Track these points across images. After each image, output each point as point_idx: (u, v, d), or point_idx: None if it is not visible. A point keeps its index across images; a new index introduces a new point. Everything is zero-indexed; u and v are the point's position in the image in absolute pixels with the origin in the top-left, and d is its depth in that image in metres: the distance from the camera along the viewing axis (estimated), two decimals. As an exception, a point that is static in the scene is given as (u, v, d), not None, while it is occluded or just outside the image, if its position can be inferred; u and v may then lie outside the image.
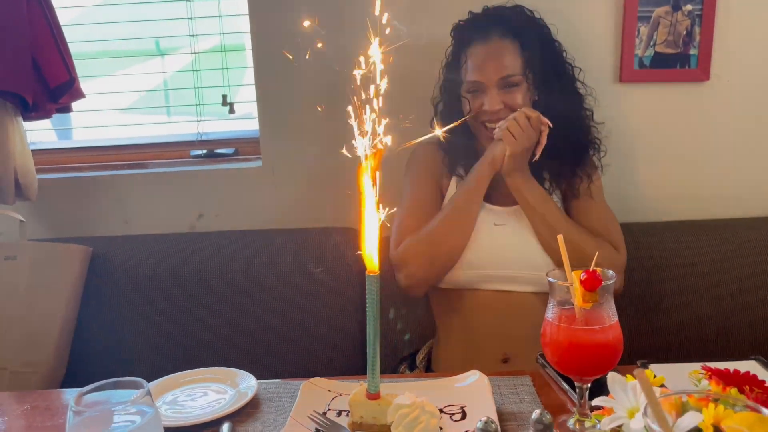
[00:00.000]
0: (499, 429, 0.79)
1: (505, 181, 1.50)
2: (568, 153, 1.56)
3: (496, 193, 1.54)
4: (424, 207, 1.57)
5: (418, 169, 1.65)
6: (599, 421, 0.74)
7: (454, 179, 1.61)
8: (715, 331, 1.76)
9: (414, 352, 1.71)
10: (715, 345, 1.75)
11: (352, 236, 1.89)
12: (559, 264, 1.46)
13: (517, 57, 1.50)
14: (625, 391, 0.68)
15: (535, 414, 0.73)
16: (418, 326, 1.79)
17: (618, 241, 1.54)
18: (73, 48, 1.84)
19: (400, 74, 1.88)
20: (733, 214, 1.91)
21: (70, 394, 1.20)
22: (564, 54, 1.62)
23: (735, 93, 1.89)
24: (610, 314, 0.92)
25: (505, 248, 1.50)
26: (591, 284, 0.88)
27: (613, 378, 0.69)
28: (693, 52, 1.87)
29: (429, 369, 1.65)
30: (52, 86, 1.81)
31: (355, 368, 1.76)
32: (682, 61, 1.87)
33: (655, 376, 0.78)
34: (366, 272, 0.94)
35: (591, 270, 0.89)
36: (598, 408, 0.77)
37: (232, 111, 2.11)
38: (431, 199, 1.60)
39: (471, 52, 1.53)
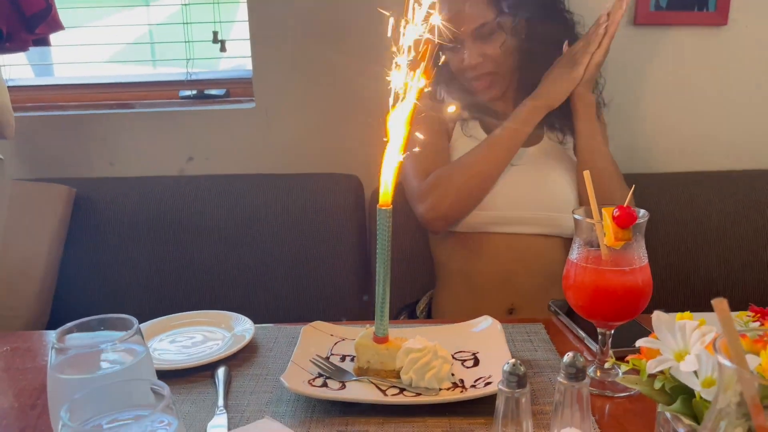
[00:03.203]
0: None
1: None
2: None
3: None
4: (436, 147, 1.49)
5: (422, 115, 1.56)
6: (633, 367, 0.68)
7: (458, 123, 1.53)
8: (722, 284, 1.71)
9: (414, 302, 1.65)
10: (722, 296, 1.70)
11: (350, 182, 1.81)
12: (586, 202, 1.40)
13: (486, 3, 1.40)
14: (673, 332, 0.61)
15: (567, 357, 0.67)
16: (418, 275, 1.72)
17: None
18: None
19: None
20: (746, 165, 1.85)
21: (52, 336, 1.12)
22: None
23: (753, 39, 1.81)
24: (641, 255, 0.86)
25: (520, 188, 1.43)
26: (625, 221, 0.81)
27: (658, 317, 0.62)
28: (712, -7, 1.77)
29: (429, 318, 1.60)
30: (27, 14, 1.69)
31: (353, 317, 1.70)
32: (700, 3, 1.78)
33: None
34: (378, 206, 0.86)
35: (625, 206, 0.82)
36: (631, 352, 0.71)
37: (223, 49, 2.00)
38: (442, 140, 1.52)
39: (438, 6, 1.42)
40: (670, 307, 1.70)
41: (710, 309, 1.32)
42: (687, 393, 0.64)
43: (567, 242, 1.47)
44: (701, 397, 0.61)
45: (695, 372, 0.59)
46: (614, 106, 1.69)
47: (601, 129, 1.50)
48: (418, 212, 1.44)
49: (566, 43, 1.43)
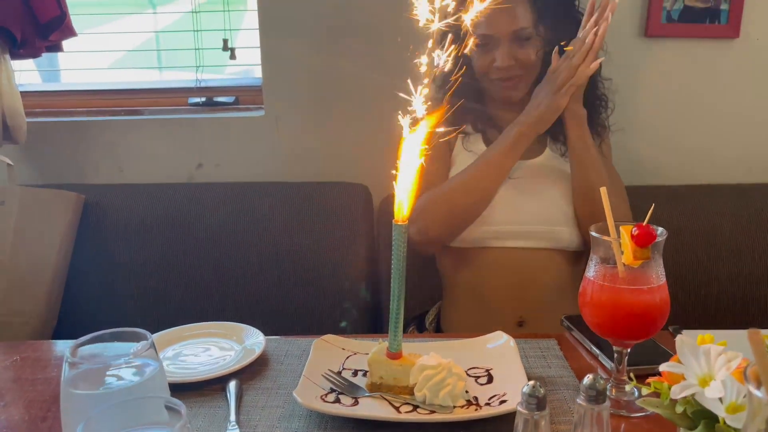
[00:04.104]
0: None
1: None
2: None
3: None
4: (435, 162, 1.49)
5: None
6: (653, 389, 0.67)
7: (459, 137, 1.52)
8: (731, 298, 1.69)
9: (423, 313, 1.64)
10: (732, 313, 1.69)
11: (359, 191, 1.80)
12: (586, 218, 1.38)
13: (528, 8, 1.39)
14: (696, 357, 0.60)
15: (588, 379, 0.66)
16: (426, 286, 1.71)
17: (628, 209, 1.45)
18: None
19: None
20: (758, 178, 1.84)
21: (62, 345, 1.12)
22: (577, 2, 1.50)
23: (765, 52, 1.80)
24: (658, 273, 0.85)
25: (521, 202, 1.42)
26: (644, 240, 0.80)
27: (682, 342, 0.61)
28: (724, 6, 1.76)
29: (438, 331, 1.59)
30: (42, 22, 1.69)
31: (363, 329, 1.69)
32: (712, 16, 1.77)
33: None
34: (393, 221, 0.86)
35: (644, 224, 0.81)
36: (647, 370, 0.70)
37: (233, 57, 2.00)
38: (442, 154, 1.51)
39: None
40: (679, 322, 1.70)
41: (721, 325, 1.31)
42: (709, 417, 0.63)
43: (573, 255, 1.46)
44: (725, 423, 0.60)
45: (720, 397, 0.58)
46: (624, 118, 1.68)
47: (604, 150, 1.49)
48: (410, 233, 1.44)
49: (555, 50, 1.36)
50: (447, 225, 1.41)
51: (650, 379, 0.67)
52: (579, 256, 1.47)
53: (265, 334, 1.11)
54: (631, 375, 0.70)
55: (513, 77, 1.42)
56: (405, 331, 1.61)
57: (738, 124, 1.84)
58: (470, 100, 1.50)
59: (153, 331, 1.09)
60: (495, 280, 1.45)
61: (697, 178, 1.84)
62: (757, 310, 1.67)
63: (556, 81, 1.34)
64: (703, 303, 1.69)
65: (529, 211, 1.42)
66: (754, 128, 1.85)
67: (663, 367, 0.63)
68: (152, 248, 1.73)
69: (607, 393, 0.89)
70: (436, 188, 1.41)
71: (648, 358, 0.97)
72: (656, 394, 0.70)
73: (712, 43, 1.80)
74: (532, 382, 0.65)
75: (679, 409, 0.64)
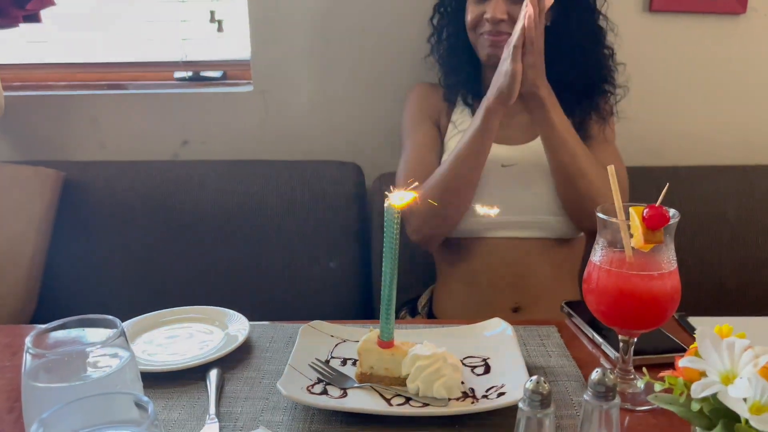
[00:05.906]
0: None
1: (512, 116, 1.35)
2: (581, 92, 1.38)
3: (504, 131, 1.35)
4: (426, 150, 1.42)
5: (413, 110, 1.50)
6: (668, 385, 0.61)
7: (450, 125, 1.45)
8: (735, 283, 1.65)
9: (415, 297, 1.58)
10: (734, 297, 1.65)
11: (350, 170, 1.73)
12: (568, 203, 1.32)
13: None
14: (719, 351, 0.55)
15: (596, 374, 0.60)
16: (419, 269, 1.66)
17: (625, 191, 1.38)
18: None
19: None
20: (763, 159, 1.78)
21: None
22: None
23: (772, 29, 1.73)
24: (670, 259, 0.79)
25: (515, 191, 1.35)
26: (656, 222, 0.74)
27: (703, 334, 0.55)
28: (731, -20, 1.70)
29: (431, 315, 1.53)
30: (18, -11, 1.62)
31: (354, 315, 1.63)
32: (719, -10, 1.70)
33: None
34: (385, 202, 0.80)
35: (657, 205, 0.75)
36: (654, 361, 0.64)
37: (220, 29, 1.92)
38: (432, 141, 1.45)
39: None
40: (681, 308, 1.64)
41: (723, 311, 1.25)
42: (729, 417, 0.57)
43: (570, 242, 1.40)
44: (748, 424, 0.55)
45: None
46: (630, 93, 1.61)
47: (608, 134, 1.42)
48: (407, 233, 1.38)
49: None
50: (437, 220, 1.35)
51: (663, 374, 0.62)
52: (576, 242, 1.42)
53: (251, 318, 1.05)
54: (644, 370, 0.64)
55: (501, 34, 1.32)
56: (396, 316, 1.55)
57: (743, 103, 1.78)
58: (463, 69, 1.44)
59: (136, 315, 1.04)
60: (490, 270, 1.39)
61: (700, 158, 1.79)
62: (756, 296, 1.63)
63: (509, 48, 1.22)
64: (703, 288, 1.65)
65: (525, 201, 1.35)
66: (759, 108, 1.79)
67: (683, 363, 0.57)
68: (134, 227, 1.67)
69: (612, 385, 0.84)
70: (423, 185, 1.32)
71: (653, 347, 0.92)
72: (668, 390, 0.64)
73: (718, 18, 1.73)
74: (535, 377, 0.60)
75: (696, 407, 0.59)
